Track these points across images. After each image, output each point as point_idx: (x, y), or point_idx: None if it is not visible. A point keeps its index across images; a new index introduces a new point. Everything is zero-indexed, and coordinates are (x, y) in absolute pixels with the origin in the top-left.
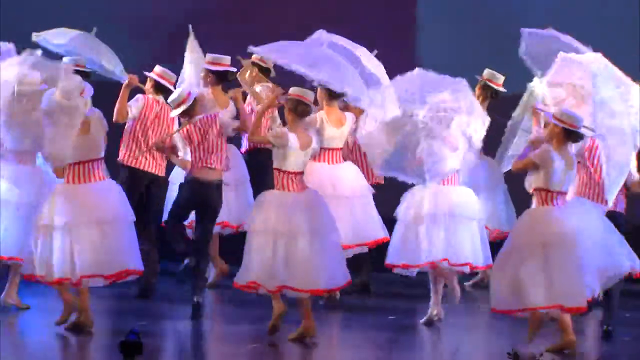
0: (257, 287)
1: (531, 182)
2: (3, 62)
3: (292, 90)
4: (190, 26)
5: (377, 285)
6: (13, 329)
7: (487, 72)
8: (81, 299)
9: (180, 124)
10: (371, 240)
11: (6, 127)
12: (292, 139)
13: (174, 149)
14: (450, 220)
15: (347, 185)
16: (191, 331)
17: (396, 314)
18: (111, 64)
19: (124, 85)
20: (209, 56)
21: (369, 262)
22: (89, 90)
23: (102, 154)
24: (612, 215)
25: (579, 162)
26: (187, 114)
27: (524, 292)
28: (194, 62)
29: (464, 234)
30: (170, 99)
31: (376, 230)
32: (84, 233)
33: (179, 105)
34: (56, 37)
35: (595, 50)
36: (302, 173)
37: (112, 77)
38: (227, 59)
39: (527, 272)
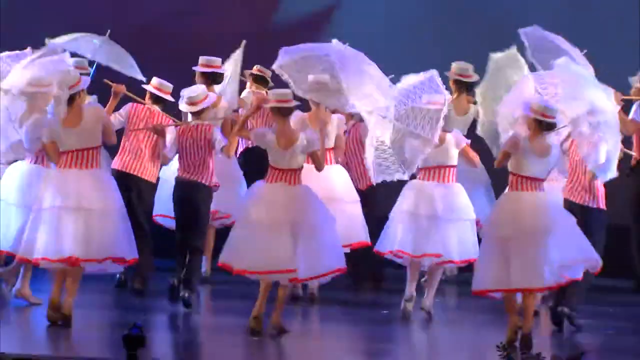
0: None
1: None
2: (18, 63)
3: (271, 94)
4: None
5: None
6: (20, 322)
7: (455, 66)
8: (66, 282)
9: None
10: (353, 242)
11: (19, 127)
12: (271, 138)
13: (164, 138)
14: (432, 217)
15: (332, 188)
16: (191, 324)
17: (390, 308)
18: (129, 68)
19: (112, 95)
20: (201, 59)
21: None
22: (84, 82)
23: (96, 144)
24: (587, 210)
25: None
26: (197, 115)
27: (492, 274)
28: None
29: (448, 231)
30: (186, 93)
31: (359, 234)
32: (68, 217)
33: (191, 104)
34: (75, 46)
35: (593, 50)
36: (294, 170)
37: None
38: (218, 61)
39: (491, 256)
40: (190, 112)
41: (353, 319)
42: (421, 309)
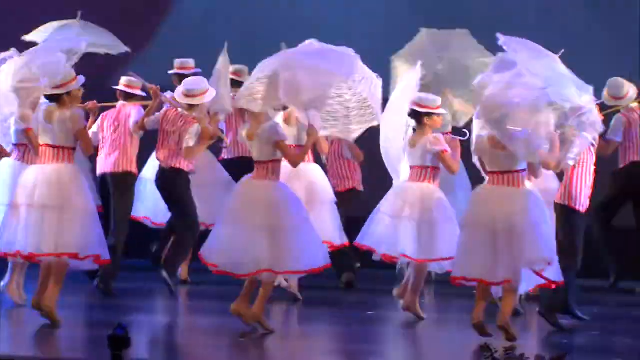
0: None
1: None
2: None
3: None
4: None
5: (362, 282)
6: (3, 323)
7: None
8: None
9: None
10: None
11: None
12: (242, 133)
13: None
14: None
15: (310, 187)
16: (175, 325)
17: (376, 309)
18: (113, 46)
19: (90, 115)
20: (176, 61)
21: (352, 258)
22: (79, 81)
23: (64, 144)
24: (568, 211)
25: None
26: (192, 108)
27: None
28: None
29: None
30: (186, 84)
31: (333, 236)
32: (25, 212)
33: (188, 97)
34: (64, 40)
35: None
36: (265, 162)
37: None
38: (191, 62)
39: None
40: (187, 104)
41: (337, 320)
42: (403, 309)
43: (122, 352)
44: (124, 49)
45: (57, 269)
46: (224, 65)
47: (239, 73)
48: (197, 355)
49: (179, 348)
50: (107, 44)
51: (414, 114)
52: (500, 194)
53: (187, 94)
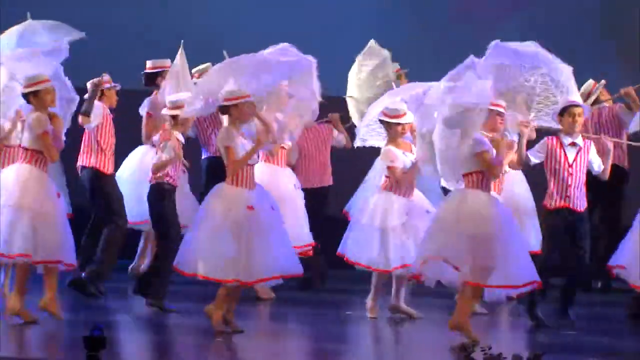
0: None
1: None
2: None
3: None
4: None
5: (339, 282)
6: None
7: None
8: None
9: None
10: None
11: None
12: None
13: None
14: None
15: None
16: (152, 326)
17: (353, 309)
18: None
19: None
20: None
21: (318, 258)
22: (47, 84)
23: (28, 146)
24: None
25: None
26: (175, 119)
27: None
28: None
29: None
30: (171, 97)
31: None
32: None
33: (173, 109)
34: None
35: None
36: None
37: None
38: (167, 62)
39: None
40: (170, 116)
41: (314, 320)
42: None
43: (98, 353)
44: (80, 34)
45: (19, 270)
46: (181, 65)
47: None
48: (173, 354)
49: (160, 348)
50: (66, 34)
51: (383, 123)
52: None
53: (172, 107)
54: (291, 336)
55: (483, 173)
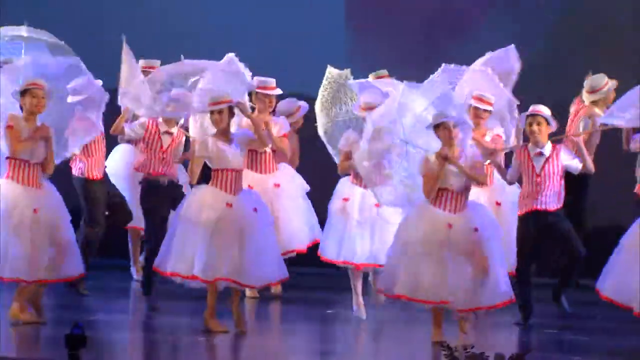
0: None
1: None
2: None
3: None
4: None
5: (325, 280)
6: None
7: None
8: None
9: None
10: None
11: None
12: None
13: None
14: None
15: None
16: (134, 324)
17: (335, 307)
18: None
19: None
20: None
21: None
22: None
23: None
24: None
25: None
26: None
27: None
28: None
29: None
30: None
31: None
32: None
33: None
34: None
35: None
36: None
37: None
38: (157, 62)
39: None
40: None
41: (297, 318)
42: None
43: (78, 352)
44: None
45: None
46: (127, 61)
47: (153, 67)
48: (161, 354)
49: (147, 347)
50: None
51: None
52: None
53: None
54: (277, 335)
55: None
